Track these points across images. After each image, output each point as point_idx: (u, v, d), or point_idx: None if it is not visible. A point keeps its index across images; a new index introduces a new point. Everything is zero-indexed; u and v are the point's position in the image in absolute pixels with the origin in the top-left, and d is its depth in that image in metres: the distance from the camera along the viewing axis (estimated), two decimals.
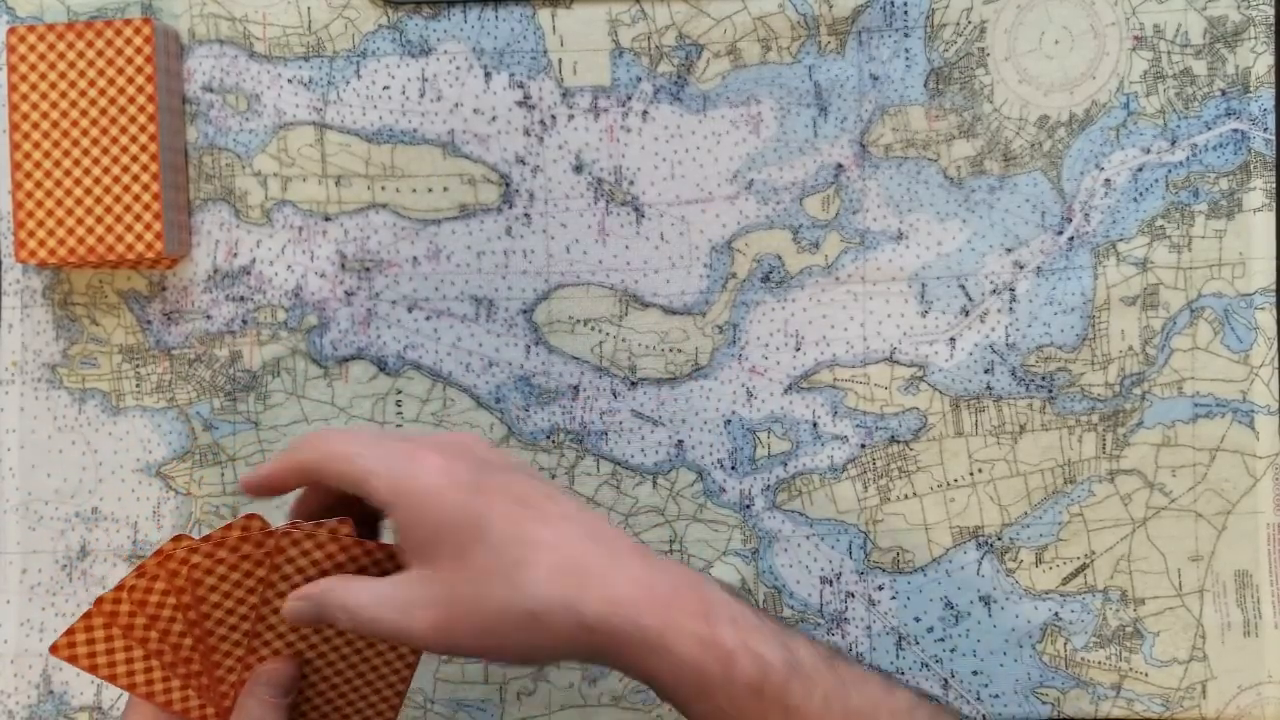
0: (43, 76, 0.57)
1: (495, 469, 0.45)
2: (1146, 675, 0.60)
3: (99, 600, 0.49)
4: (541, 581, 0.42)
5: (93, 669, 0.49)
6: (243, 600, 0.49)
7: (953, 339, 0.60)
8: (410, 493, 0.43)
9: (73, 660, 0.49)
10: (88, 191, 0.57)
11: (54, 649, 0.49)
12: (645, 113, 0.60)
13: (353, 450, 0.45)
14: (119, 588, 0.48)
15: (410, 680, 0.52)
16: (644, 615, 0.42)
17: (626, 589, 0.42)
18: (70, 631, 0.49)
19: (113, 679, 0.49)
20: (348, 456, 0.45)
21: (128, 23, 0.57)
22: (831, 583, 0.60)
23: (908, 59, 0.59)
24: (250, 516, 0.48)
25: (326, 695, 0.51)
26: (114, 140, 0.57)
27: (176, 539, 0.49)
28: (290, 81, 0.60)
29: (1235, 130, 0.59)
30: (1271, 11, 0.59)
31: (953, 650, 0.60)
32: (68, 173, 0.57)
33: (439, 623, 0.43)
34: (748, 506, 0.60)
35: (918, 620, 0.60)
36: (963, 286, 0.60)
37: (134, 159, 0.57)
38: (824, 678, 0.43)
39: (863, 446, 0.60)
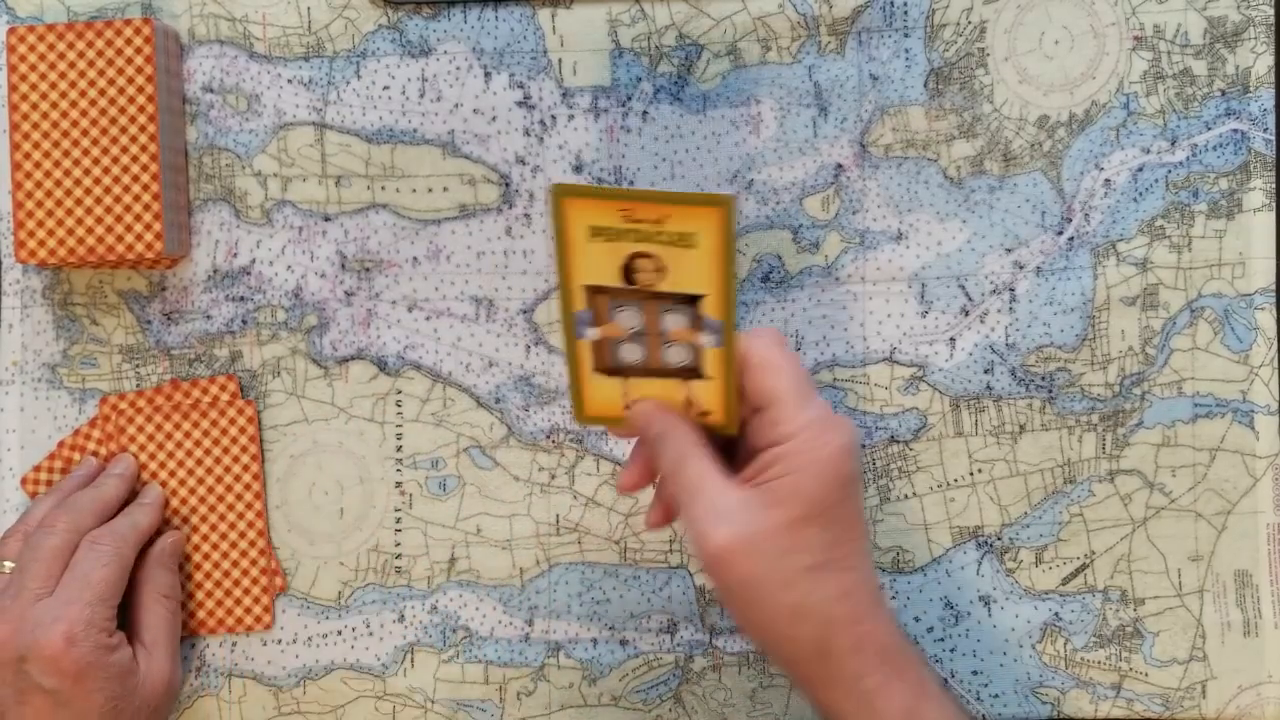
0: (43, 76, 0.57)
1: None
2: (1146, 675, 0.60)
3: (75, 431, 0.59)
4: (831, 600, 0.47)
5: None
6: (153, 455, 0.59)
7: (953, 339, 0.60)
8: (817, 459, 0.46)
9: (34, 488, 0.60)
10: (88, 191, 0.57)
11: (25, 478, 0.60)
12: (645, 113, 0.60)
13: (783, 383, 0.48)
14: (89, 423, 0.59)
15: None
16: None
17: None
18: (52, 456, 0.60)
19: None
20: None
21: (128, 23, 0.57)
22: None
23: (908, 59, 0.59)
24: (174, 382, 0.59)
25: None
26: (114, 140, 0.57)
27: (121, 395, 0.60)
28: (290, 81, 0.60)
29: (1235, 130, 0.59)
30: (1271, 11, 0.59)
31: (953, 650, 0.60)
32: (68, 173, 0.57)
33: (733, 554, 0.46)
34: None
35: (918, 620, 0.60)
36: (963, 286, 0.60)
37: (134, 159, 0.57)
38: None
39: (862, 446, 0.60)
